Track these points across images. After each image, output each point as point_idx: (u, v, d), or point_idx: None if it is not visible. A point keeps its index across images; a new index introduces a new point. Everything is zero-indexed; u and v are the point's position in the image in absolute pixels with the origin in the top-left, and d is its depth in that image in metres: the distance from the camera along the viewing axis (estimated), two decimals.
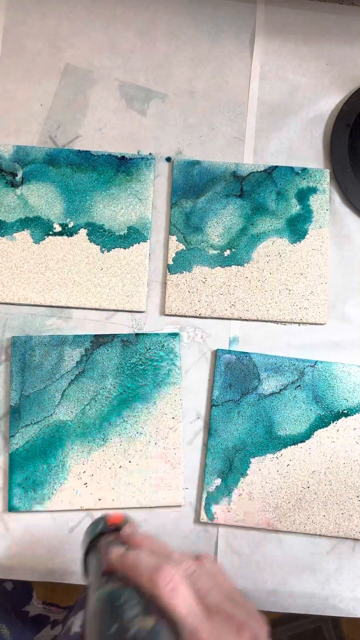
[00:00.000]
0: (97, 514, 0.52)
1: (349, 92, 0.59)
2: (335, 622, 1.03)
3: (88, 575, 0.36)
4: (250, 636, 0.28)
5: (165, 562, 0.30)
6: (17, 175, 0.56)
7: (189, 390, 0.54)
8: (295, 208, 0.56)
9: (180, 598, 0.28)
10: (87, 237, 0.55)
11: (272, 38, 0.59)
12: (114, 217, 0.55)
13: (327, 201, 0.56)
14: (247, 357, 0.54)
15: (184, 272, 0.55)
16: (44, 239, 0.55)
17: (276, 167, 0.57)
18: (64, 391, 0.53)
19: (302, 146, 0.58)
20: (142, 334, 0.54)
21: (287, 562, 0.52)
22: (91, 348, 0.53)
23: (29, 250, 0.55)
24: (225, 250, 0.55)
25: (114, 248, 0.55)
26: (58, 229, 0.55)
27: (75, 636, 0.52)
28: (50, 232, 0.55)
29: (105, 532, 0.37)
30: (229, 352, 0.54)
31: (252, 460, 0.52)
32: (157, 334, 0.54)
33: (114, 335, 0.54)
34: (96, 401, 0.53)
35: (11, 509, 0.51)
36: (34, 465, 0.51)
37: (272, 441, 0.52)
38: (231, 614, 0.29)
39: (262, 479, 0.52)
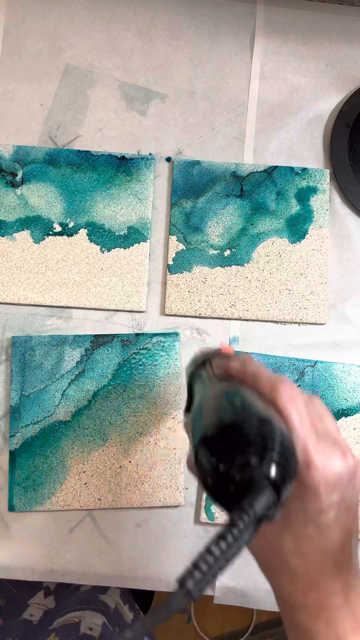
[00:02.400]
0: (97, 514, 0.52)
1: (349, 92, 0.59)
2: None
3: (193, 388, 0.36)
4: (354, 463, 0.29)
5: (286, 379, 0.30)
6: (17, 175, 0.56)
7: None
8: (295, 208, 0.56)
9: (297, 407, 0.28)
10: (87, 237, 0.55)
11: (272, 38, 0.59)
12: (114, 217, 0.56)
13: (327, 201, 0.56)
14: None
15: (184, 272, 0.55)
16: (44, 239, 0.55)
17: (276, 167, 0.57)
18: (64, 391, 0.53)
19: (302, 146, 0.58)
20: (142, 334, 0.54)
21: None
22: (91, 348, 0.53)
23: (29, 250, 0.55)
24: (225, 250, 0.55)
25: (114, 248, 0.55)
26: (58, 229, 0.55)
27: (84, 636, 0.52)
28: (51, 232, 0.55)
29: (217, 356, 0.38)
30: None
31: None
32: (157, 334, 0.54)
33: (114, 335, 0.54)
34: (96, 401, 0.53)
35: (11, 508, 0.51)
36: (34, 465, 0.51)
37: None
38: (337, 441, 0.30)
39: None
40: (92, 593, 0.60)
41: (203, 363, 0.37)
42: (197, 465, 0.26)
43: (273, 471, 0.23)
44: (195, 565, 0.20)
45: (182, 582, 0.20)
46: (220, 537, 0.21)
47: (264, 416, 0.26)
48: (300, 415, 0.28)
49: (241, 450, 0.24)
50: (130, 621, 0.61)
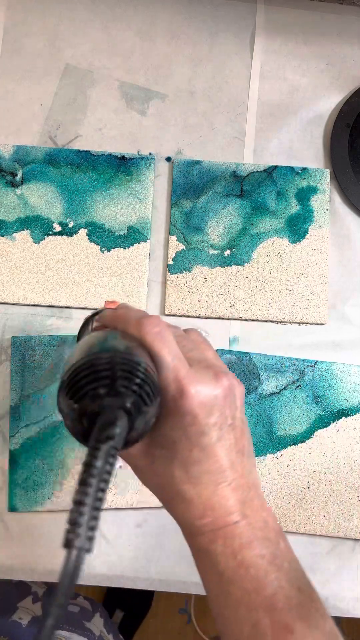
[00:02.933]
0: None
1: (349, 92, 0.59)
2: (336, 622, 1.03)
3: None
4: (228, 382, 0.29)
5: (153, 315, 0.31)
6: (17, 175, 0.56)
7: None
8: (295, 208, 0.56)
9: (164, 341, 0.29)
10: (87, 237, 0.55)
11: (272, 38, 0.59)
12: (114, 217, 0.55)
13: (327, 201, 0.56)
14: (247, 357, 0.54)
15: (184, 272, 0.55)
16: (44, 238, 0.55)
17: (276, 167, 0.57)
18: None
19: (302, 146, 0.58)
20: None
21: None
22: None
23: (29, 250, 0.55)
24: (226, 250, 0.55)
25: (114, 248, 0.55)
26: (58, 228, 0.55)
27: None
28: (50, 232, 0.55)
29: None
30: (229, 352, 0.54)
31: None
32: None
33: None
34: None
35: (11, 509, 0.51)
36: (34, 466, 0.51)
37: (272, 441, 0.52)
38: (211, 365, 0.30)
39: (262, 479, 0.52)
40: (79, 617, 0.61)
41: (86, 322, 0.38)
42: (59, 412, 0.26)
43: (124, 399, 0.24)
44: (73, 523, 0.20)
45: (68, 543, 0.20)
46: (83, 482, 0.21)
47: (115, 349, 0.26)
48: (167, 346, 0.29)
49: (91, 385, 0.25)
50: None
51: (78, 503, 0.21)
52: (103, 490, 0.22)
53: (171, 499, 0.30)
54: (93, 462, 0.22)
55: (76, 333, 0.54)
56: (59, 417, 0.52)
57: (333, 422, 0.53)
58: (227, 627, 0.29)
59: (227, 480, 0.29)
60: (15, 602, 0.59)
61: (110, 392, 0.25)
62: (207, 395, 0.28)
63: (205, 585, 0.30)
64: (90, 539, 0.20)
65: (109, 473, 0.22)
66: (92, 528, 0.20)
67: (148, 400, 0.26)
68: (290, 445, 0.52)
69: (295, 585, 0.28)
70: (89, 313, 0.39)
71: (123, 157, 0.56)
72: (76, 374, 0.25)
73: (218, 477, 0.29)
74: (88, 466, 0.22)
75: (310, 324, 0.55)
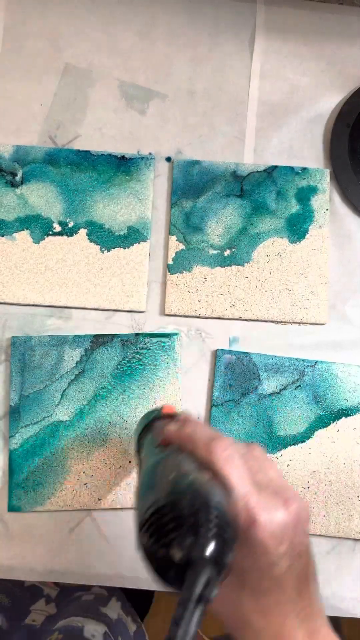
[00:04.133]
0: (97, 514, 0.52)
1: (349, 91, 0.59)
2: (336, 623, 1.03)
3: (140, 455, 0.36)
4: (297, 509, 0.29)
5: (221, 437, 0.31)
6: (16, 175, 0.56)
7: (189, 390, 0.54)
8: (295, 208, 0.56)
9: (234, 465, 0.29)
10: (86, 237, 0.55)
11: (272, 38, 0.59)
12: (113, 217, 0.55)
13: (327, 201, 0.56)
14: (247, 357, 0.54)
15: (184, 272, 0.55)
16: (44, 238, 0.55)
17: (276, 166, 0.57)
18: (64, 391, 0.53)
19: (302, 146, 0.58)
20: (142, 334, 0.54)
21: None
22: (91, 348, 0.53)
23: (29, 250, 0.55)
24: (225, 250, 0.55)
25: (113, 248, 0.55)
26: (58, 228, 0.55)
27: None
28: (50, 232, 0.55)
29: (160, 418, 0.38)
30: (229, 352, 0.54)
31: None
32: (157, 334, 0.54)
33: (113, 336, 0.54)
34: (96, 401, 0.53)
35: (11, 509, 0.51)
36: (34, 465, 0.51)
37: (272, 441, 0.52)
38: (278, 490, 0.30)
39: None
40: (94, 604, 0.61)
41: (146, 427, 0.38)
42: (138, 549, 0.26)
43: (209, 548, 0.24)
44: None
45: None
46: (173, 626, 0.22)
47: (197, 489, 0.26)
48: (238, 472, 0.28)
49: (176, 531, 0.24)
50: (132, 633, 0.61)
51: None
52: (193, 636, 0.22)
53: (239, 628, 0.29)
54: (186, 614, 0.22)
55: (76, 333, 0.54)
56: (59, 417, 0.52)
57: (333, 422, 0.53)
58: None
59: (295, 611, 0.28)
60: (29, 606, 0.59)
61: (197, 543, 0.24)
62: (278, 524, 0.28)
63: None
64: None
65: (198, 623, 0.22)
66: None
67: (232, 542, 0.25)
68: (290, 445, 0.52)
69: None
70: (150, 410, 0.39)
71: (123, 156, 0.56)
72: (159, 516, 0.25)
73: (287, 608, 0.28)
74: (176, 622, 0.22)
75: (311, 324, 0.55)
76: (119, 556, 0.51)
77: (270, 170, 0.57)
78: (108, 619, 0.58)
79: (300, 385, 0.53)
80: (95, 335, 0.54)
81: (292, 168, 0.57)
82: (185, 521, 0.24)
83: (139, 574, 0.51)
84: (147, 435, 0.37)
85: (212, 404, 0.53)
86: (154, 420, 0.38)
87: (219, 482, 0.28)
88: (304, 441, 0.52)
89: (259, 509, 0.27)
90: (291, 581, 0.28)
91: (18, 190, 0.55)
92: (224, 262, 0.55)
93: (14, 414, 0.52)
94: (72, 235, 0.55)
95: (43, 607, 0.59)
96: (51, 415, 0.52)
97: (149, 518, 0.25)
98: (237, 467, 0.29)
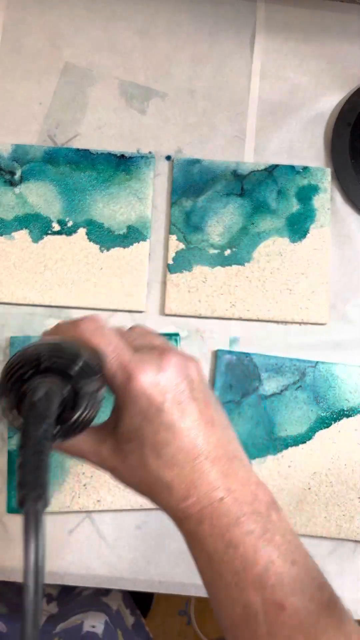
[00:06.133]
0: (96, 516, 0.52)
1: (350, 90, 0.59)
2: None
3: None
4: (176, 359, 0.29)
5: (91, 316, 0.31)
6: (16, 174, 0.55)
7: None
8: (296, 207, 0.56)
9: (102, 334, 0.28)
10: (86, 236, 0.55)
11: (272, 37, 0.59)
12: (113, 216, 0.55)
13: (328, 200, 0.56)
14: (248, 358, 0.53)
15: (184, 271, 0.55)
16: (43, 238, 0.55)
17: (277, 166, 0.56)
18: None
19: (303, 145, 0.58)
20: None
21: None
22: None
23: (28, 250, 0.54)
24: (226, 250, 0.55)
25: (113, 247, 0.55)
26: (57, 228, 0.55)
27: (87, 635, 0.52)
28: (49, 231, 0.55)
29: None
30: (230, 352, 0.54)
31: (253, 461, 0.52)
32: None
33: None
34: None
35: (11, 510, 0.51)
36: None
37: (273, 442, 0.52)
38: (156, 346, 0.30)
39: (263, 480, 0.51)
40: (95, 596, 0.60)
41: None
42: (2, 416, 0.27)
43: (54, 375, 0.25)
44: (21, 484, 0.21)
45: (22, 503, 0.21)
46: (20, 446, 0.22)
47: (45, 343, 0.26)
48: (106, 338, 0.28)
49: (20, 370, 0.25)
50: (130, 626, 0.61)
51: (19, 467, 0.22)
52: (40, 452, 0.22)
53: (153, 489, 0.29)
54: (26, 431, 0.22)
55: None
56: None
57: (334, 423, 0.52)
58: (221, 610, 0.28)
59: (202, 454, 0.28)
60: None
61: (37, 372, 0.25)
62: (154, 372, 0.28)
63: (198, 570, 0.30)
64: (43, 496, 0.21)
65: (45, 438, 0.22)
66: (42, 485, 0.21)
67: (80, 376, 0.25)
68: (291, 446, 0.52)
69: (288, 559, 0.28)
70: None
71: (123, 155, 0.56)
72: (6, 372, 0.26)
73: (192, 452, 0.28)
74: (22, 436, 0.23)
75: (311, 324, 0.55)
76: (119, 558, 0.51)
77: (271, 170, 0.56)
78: (109, 610, 0.58)
79: (301, 386, 0.53)
80: None
81: (293, 167, 0.56)
82: (27, 361, 0.25)
83: (138, 576, 0.51)
84: None
85: None
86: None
87: (84, 346, 0.28)
88: (305, 442, 0.52)
89: (134, 363, 0.28)
90: (188, 425, 0.28)
91: (17, 189, 0.55)
92: (225, 261, 0.55)
93: None
94: (71, 234, 0.55)
95: (44, 607, 0.59)
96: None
97: (2, 378, 0.26)
98: (106, 334, 0.29)
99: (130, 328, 0.34)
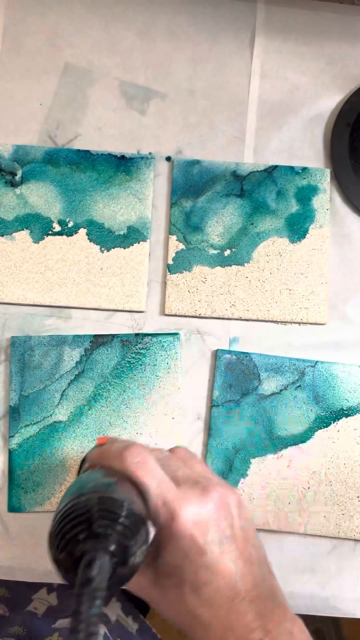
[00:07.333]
0: None
1: (350, 91, 0.59)
2: (336, 623, 1.03)
3: None
4: (218, 495, 0.29)
5: (134, 444, 0.31)
6: (16, 175, 0.55)
7: (189, 391, 0.54)
8: (295, 207, 0.56)
9: (146, 468, 0.29)
10: (86, 236, 0.55)
11: (272, 37, 0.59)
12: (113, 217, 0.55)
13: (327, 200, 0.56)
14: (248, 357, 0.53)
15: (184, 271, 0.55)
16: (43, 238, 0.55)
17: (276, 166, 0.57)
18: (64, 391, 0.52)
19: (303, 145, 0.58)
20: (142, 334, 0.54)
21: (287, 562, 0.52)
22: (91, 348, 0.53)
23: (28, 250, 0.54)
24: (226, 250, 0.55)
25: (113, 248, 0.55)
26: (57, 228, 0.55)
27: None
28: (50, 232, 0.55)
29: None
30: (229, 352, 0.54)
31: (253, 461, 0.52)
32: (157, 334, 0.54)
33: (113, 336, 0.53)
34: (96, 401, 0.52)
35: (11, 509, 0.51)
36: (34, 466, 0.51)
37: (273, 442, 0.52)
38: (199, 479, 0.30)
39: (263, 479, 0.52)
40: None
41: (82, 461, 0.38)
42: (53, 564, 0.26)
43: (105, 539, 0.24)
44: None
45: None
46: (72, 630, 0.22)
47: (94, 491, 0.26)
48: (150, 473, 0.29)
49: (71, 532, 0.25)
50: (135, 631, 0.61)
51: (73, 630, 0.21)
52: (93, 634, 0.22)
53: (190, 627, 0.29)
54: (78, 609, 0.22)
55: (75, 333, 0.54)
56: (59, 418, 0.52)
57: (333, 423, 0.53)
58: None
59: (240, 594, 0.28)
60: (30, 595, 0.59)
61: (90, 535, 0.25)
62: (198, 512, 0.28)
63: None
64: None
65: (97, 615, 0.22)
66: None
67: (130, 533, 0.25)
68: (290, 446, 0.52)
69: None
70: (86, 451, 0.39)
71: (123, 156, 0.56)
72: (59, 524, 0.26)
73: (230, 593, 0.28)
74: (74, 613, 0.22)
75: (311, 324, 0.55)
76: None
77: (271, 170, 0.56)
78: (108, 620, 0.58)
79: (300, 386, 0.53)
80: (95, 335, 0.53)
81: (292, 168, 0.57)
82: (77, 519, 0.25)
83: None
84: (81, 468, 0.37)
85: (212, 404, 0.53)
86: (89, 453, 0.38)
87: (129, 484, 0.28)
88: (304, 441, 0.52)
89: (177, 501, 0.28)
90: (228, 566, 0.28)
91: (17, 190, 0.55)
92: (224, 261, 0.55)
93: (14, 414, 0.52)
94: (71, 234, 0.55)
95: (44, 597, 0.59)
96: (51, 415, 0.52)
97: (53, 529, 0.26)
98: (150, 468, 0.29)
99: (172, 450, 0.33)
